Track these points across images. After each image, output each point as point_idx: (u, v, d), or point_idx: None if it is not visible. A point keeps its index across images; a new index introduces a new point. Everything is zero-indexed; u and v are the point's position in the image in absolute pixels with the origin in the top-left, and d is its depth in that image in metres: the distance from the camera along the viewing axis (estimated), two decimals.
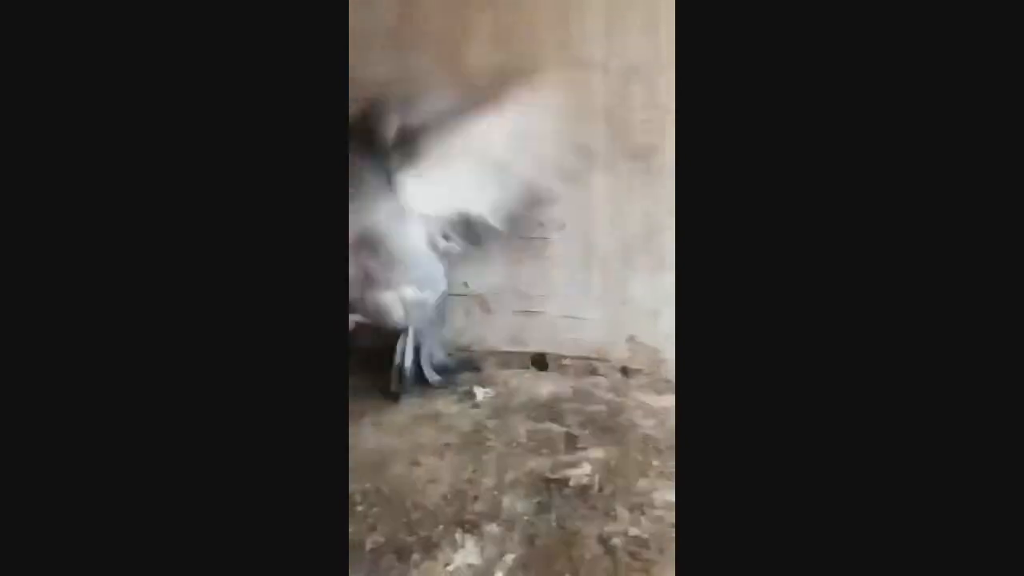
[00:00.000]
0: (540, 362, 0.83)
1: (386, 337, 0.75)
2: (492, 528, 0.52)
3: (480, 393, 0.75)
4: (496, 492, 0.57)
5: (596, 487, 0.57)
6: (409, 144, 0.67)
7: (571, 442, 0.64)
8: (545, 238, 0.79)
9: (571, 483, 0.57)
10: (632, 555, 0.48)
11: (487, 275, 0.81)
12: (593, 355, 0.81)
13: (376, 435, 0.66)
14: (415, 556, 0.49)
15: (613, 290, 0.79)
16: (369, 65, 0.76)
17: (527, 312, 0.83)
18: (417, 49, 0.76)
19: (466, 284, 0.83)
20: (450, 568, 0.48)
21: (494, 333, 0.84)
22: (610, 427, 0.67)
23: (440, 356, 0.78)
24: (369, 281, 0.70)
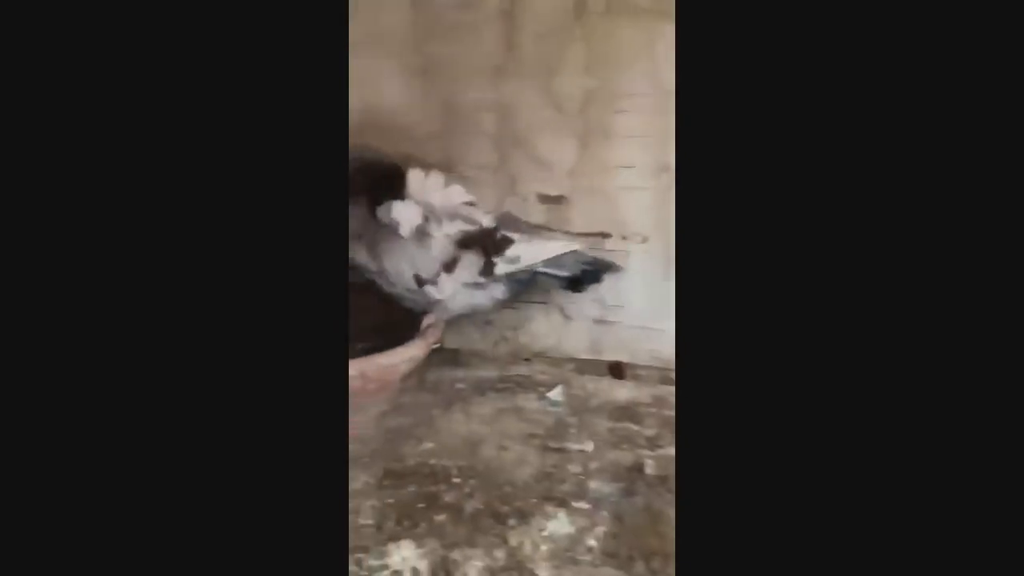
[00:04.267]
0: (617, 370, 0.86)
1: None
2: (581, 504, 0.55)
3: (557, 393, 0.79)
4: (583, 477, 0.60)
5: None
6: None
7: (651, 439, 0.67)
8: (627, 250, 0.84)
9: (653, 473, 0.60)
10: None
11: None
12: (669, 366, 0.83)
13: (465, 423, 0.71)
14: (511, 521, 0.53)
15: None
16: (471, 92, 0.85)
17: (605, 321, 0.87)
18: (517, 75, 0.84)
19: (547, 291, 0.88)
20: (544, 533, 0.51)
21: (572, 341, 0.88)
22: None
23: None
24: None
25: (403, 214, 0.73)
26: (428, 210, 0.74)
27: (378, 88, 0.90)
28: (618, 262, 0.81)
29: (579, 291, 0.80)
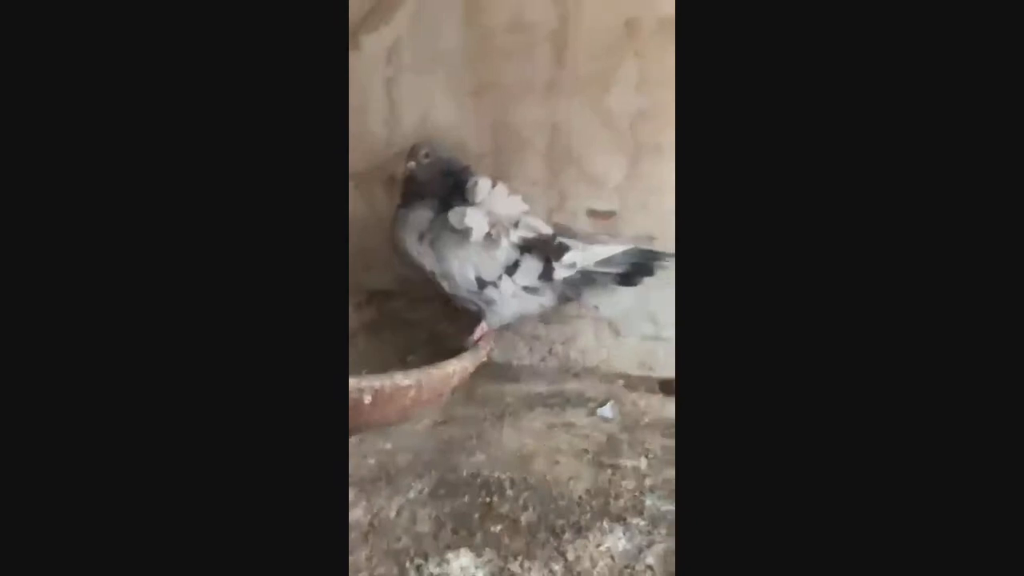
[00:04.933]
0: (668, 387, 0.85)
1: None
2: (638, 521, 0.54)
3: (608, 409, 0.78)
4: (638, 493, 0.59)
5: None
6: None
7: None
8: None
9: None
10: None
11: (617, 298, 0.85)
12: None
13: (517, 436, 0.71)
14: (567, 535, 0.52)
15: None
16: (523, 110, 0.87)
17: (656, 338, 0.86)
18: (567, 93, 0.85)
19: (596, 307, 0.88)
20: (602, 548, 0.50)
21: (622, 357, 0.88)
22: None
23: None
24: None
25: (475, 220, 0.76)
26: (494, 218, 0.78)
27: (432, 106, 0.93)
28: (670, 262, 0.80)
29: (633, 284, 0.80)
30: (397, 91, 0.96)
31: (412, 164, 0.79)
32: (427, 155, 0.80)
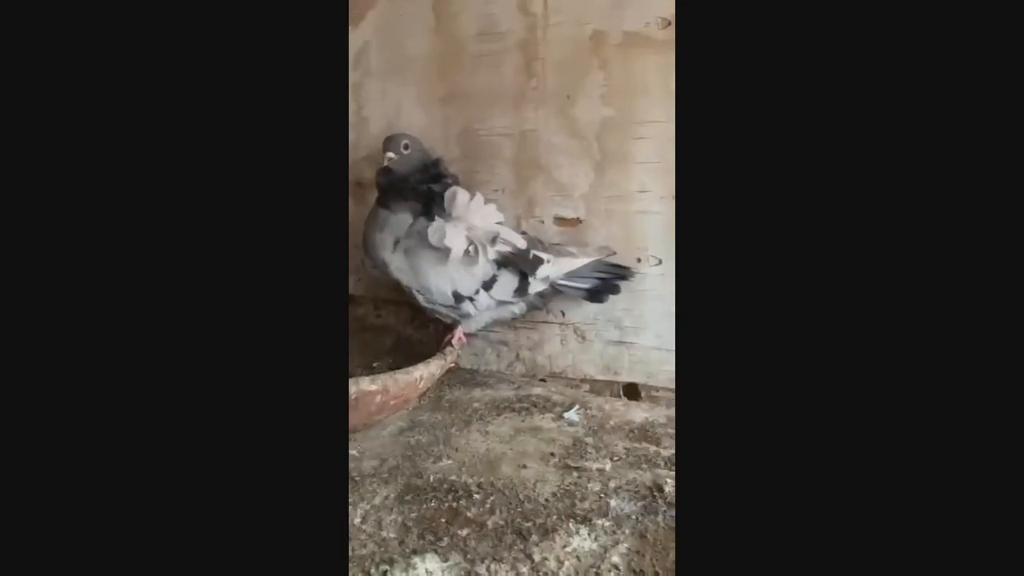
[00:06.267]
0: (632, 392, 0.87)
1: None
2: (603, 522, 0.55)
3: (574, 413, 0.79)
4: (603, 495, 0.60)
5: None
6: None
7: (669, 460, 0.67)
8: (643, 273, 0.85)
9: (673, 492, 0.60)
10: None
11: (583, 304, 0.87)
12: None
13: (484, 441, 0.71)
14: (534, 537, 0.53)
15: None
16: (492, 117, 0.88)
17: (621, 342, 0.88)
18: (535, 103, 0.87)
19: (563, 313, 0.89)
20: (568, 549, 0.51)
21: (588, 362, 0.89)
22: None
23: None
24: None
25: (454, 239, 0.76)
26: (471, 231, 0.78)
27: (400, 112, 0.93)
28: (633, 278, 0.83)
29: (600, 301, 0.83)
30: (364, 96, 0.95)
31: (392, 155, 0.77)
32: (407, 146, 0.79)
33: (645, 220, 0.85)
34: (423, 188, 0.78)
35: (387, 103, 0.94)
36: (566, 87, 0.85)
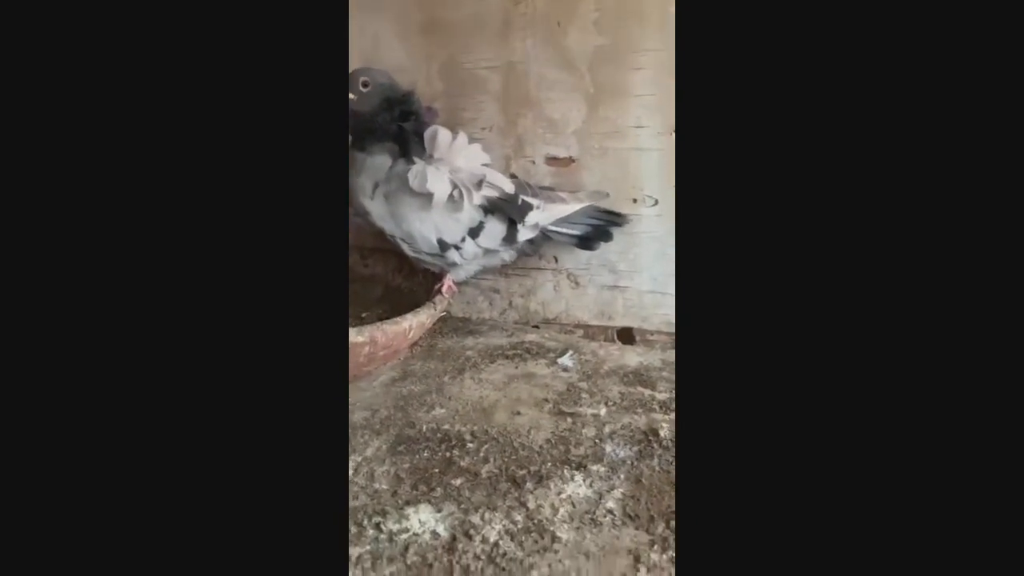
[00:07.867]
0: (626, 336, 0.85)
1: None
2: (598, 468, 0.55)
3: (567, 359, 0.78)
4: (597, 441, 0.59)
5: None
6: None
7: (664, 404, 0.67)
8: (638, 214, 0.82)
9: (669, 436, 0.60)
10: None
11: (576, 250, 0.84)
12: None
13: (478, 388, 0.70)
14: (528, 484, 0.52)
15: None
16: (477, 49, 0.82)
17: (615, 287, 0.85)
18: (523, 32, 0.81)
19: (556, 259, 0.87)
20: (563, 496, 0.51)
21: (581, 307, 0.87)
22: None
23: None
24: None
25: (436, 184, 0.71)
26: (455, 174, 0.73)
27: (376, 46, 0.87)
28: (627, 224, 0.80)
29: (591, 248, 0.80)
30: None
31: (352, 96, 0.72)
32: (365, 84, 0.73)
33: (641, 158, 0.81)
34: (393, 128, 0.73)
35: (362, 36, 0.87)
36: (556, 13, 0.79)
